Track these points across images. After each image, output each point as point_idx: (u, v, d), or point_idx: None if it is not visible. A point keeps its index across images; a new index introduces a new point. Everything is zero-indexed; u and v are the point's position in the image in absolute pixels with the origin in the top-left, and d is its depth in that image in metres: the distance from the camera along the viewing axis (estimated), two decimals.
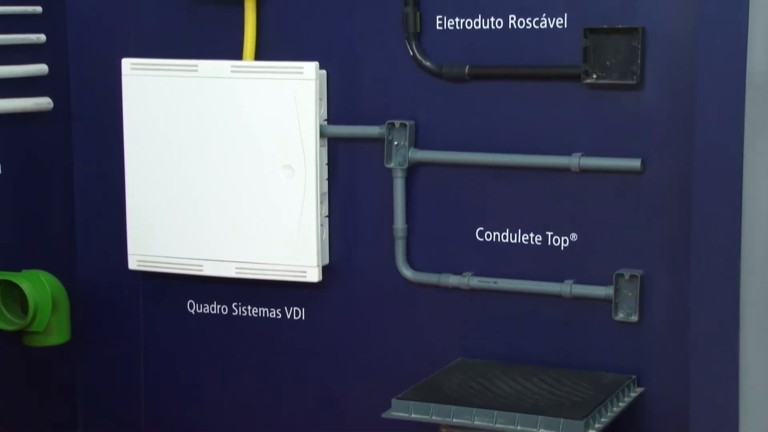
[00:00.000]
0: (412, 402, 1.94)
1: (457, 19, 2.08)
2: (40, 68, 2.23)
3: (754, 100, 1.86)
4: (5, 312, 2.20)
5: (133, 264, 2.26)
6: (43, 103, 2.25)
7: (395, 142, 2.13)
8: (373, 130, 2.14)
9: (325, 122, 2.16)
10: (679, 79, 1.94)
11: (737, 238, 1.87)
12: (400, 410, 1.94)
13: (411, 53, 2.10)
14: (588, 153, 2.02)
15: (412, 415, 1.93)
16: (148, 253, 2.24)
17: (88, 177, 2.34)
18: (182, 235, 2.21)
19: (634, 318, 2.01)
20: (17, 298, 2.20)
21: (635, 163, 1.99)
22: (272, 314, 2.27)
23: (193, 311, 2.32)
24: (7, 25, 2.16)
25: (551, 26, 2.02)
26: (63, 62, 2.29)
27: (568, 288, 2.05)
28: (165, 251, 2.23)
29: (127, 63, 2.20)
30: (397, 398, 1.95)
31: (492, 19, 2.06)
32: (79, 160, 2.34)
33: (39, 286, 2.17)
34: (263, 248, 2.17)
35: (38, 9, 2.21)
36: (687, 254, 1.92)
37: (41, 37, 2.22)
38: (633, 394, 2.00)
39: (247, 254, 2.18)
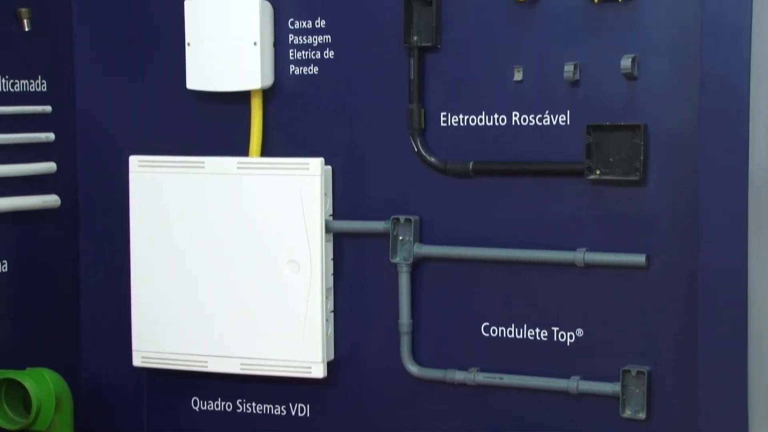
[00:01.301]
0: None
1: (461, 116, 2.11)
2: (49, 166, 2.26)
3: (757, 196, 1.87)
4: (8, 411, 2.18)
5: (137, 361, 2.26)
6: (51, 200, 2.27)
7: (400, 237, 2.13)
8: (378, 225, 2.15)
9: (331, 217, 2.17)
10: (683, 176, 1.95)
11: (744, 334, 1.87)
12: None
13: (416, 149, 2.12)
14: (593, 248, 2.02)
15: None
16: (153, 349, 2.23)
17: (94, 274, 2.35)
18: (187, 331, 2.20)
19: (642, 415, 1.99)
20: (20, 397, 2.18)
21: (640, 259, 1.99)
22: (277, 411, 2.25)
23: (197, 408, 2.30)
24: (16, 124, 2.19)
25: (554, 123, 2.04)
26: (71, 160, 2.31)
27: (574, 384, 2.03)
28: (169, 347, 2.22)
29: (134, 160, 2.23)
30: None
31: (495, 115, 2.08)
32: (85, 256, 2.35)
33: (42, 385, 2.15)
34: (268, 344, 2.16)
35: (47, 108, 2.24)
36: (694, 350, 1.91)
37: (50, 136, 2.25)
38: None
39: (252, 350, 2.17)
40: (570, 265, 2.03)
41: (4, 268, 2.20)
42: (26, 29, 2.18)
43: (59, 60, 2.27)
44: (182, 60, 2.20)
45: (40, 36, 2.21)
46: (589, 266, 2.02)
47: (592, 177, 2.00)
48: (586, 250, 2.02)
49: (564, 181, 2.04)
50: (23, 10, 2.17)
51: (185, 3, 2.18)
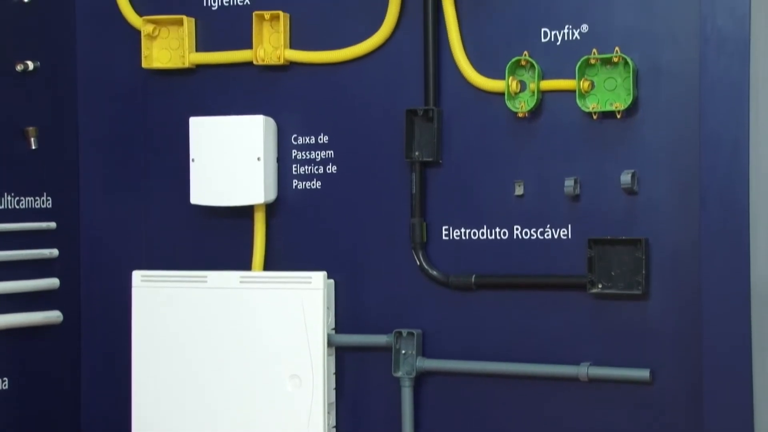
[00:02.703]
0: None
1: (462, 230, 2.12)
2: (52, 282, 2.26)
3: (760, 309, 1.87)
4: None
5: None
6: (53, 316, 2.26)
7: (403, 351, 2.13)
8: (380, 339, 2.14)
9: (333, 331, 2.17)
10: (685, 290, 1.96)
11: None
12: None
13: (418, 263, 2.13)
14: (596, 363, 2.02)
15: None
16: None
17: (96, 390, 2.33)
18: None
19: None
20: None
21: (644, 374, 1.98)
22: None
23: None
24: (21, 241, 2.20)
25: (555, 237, 2.06)
26: (75, 275, 2.31)
27: None
28: None
29: (137, 275, 2.23)
30: None
31: (497, 229, 2.10)
32: (87, 372, 2.34)
33: None
34: None
35: (52, 224, 2.26)
36: None
37: (54, 252, 2.26)
38: None
39: None
40: (573, 380, 2.02)
41: (5, 385, 2.19)
42: (33, 147, 2.21)
43: (65, 177, 2.30)
44: (186, 175, 2.22)
45: (46, 153, 2.24)
46: (592, 381, 2.01)
47: (594, 291, 2.00)
48: (590, 365, 2.01)
49: (566, 295, 2.04)
50: (30, 128, 2.20)
51: (190, 120, 2.22)
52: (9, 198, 2.18)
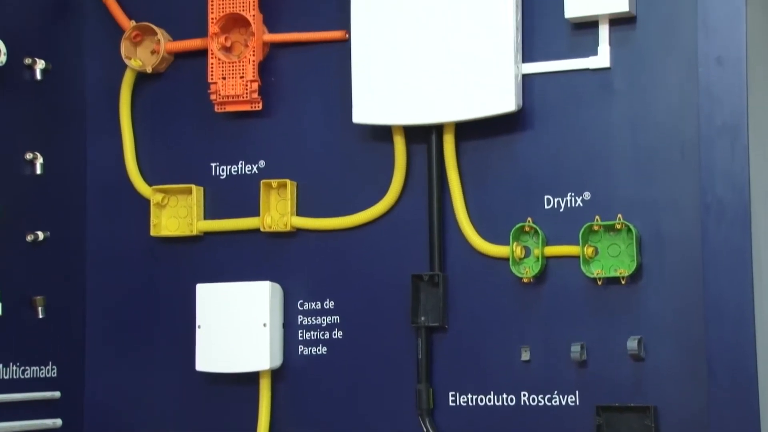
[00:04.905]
0: None
1: (469, 396, 2.10)
2: None
3: None
4: None
5: None
6: None
7: None
8: None
9: None
10: None
11: None
12: None
13: (425, 429, 2.11)
14: None
15: None
16: None
17: None
18: None
19: None
20: None
21: None
22: None
23: None
24: (24, 411, 2.17)
25: (563, 403, 2.04)
26: None
27: None
28: None
29: None
30: None
31: (504, 395, 2.08)
32: None
33: None
34: None
35: (56, 394, 2.24)
36: None
37: (57, 422, 2.23)
38: None
39: None
40: None
41: None
42: (40, 316, 2.21)
43: (70, 345, 2.29)
44: (192, 342, 2.22)
45: (53, 322, 2.23)
46: None
47: None
48: None
49: None
50: (38, 298, 2.21)
51: (197, 287, 2.23)
52: (14, 368, 2.17)
